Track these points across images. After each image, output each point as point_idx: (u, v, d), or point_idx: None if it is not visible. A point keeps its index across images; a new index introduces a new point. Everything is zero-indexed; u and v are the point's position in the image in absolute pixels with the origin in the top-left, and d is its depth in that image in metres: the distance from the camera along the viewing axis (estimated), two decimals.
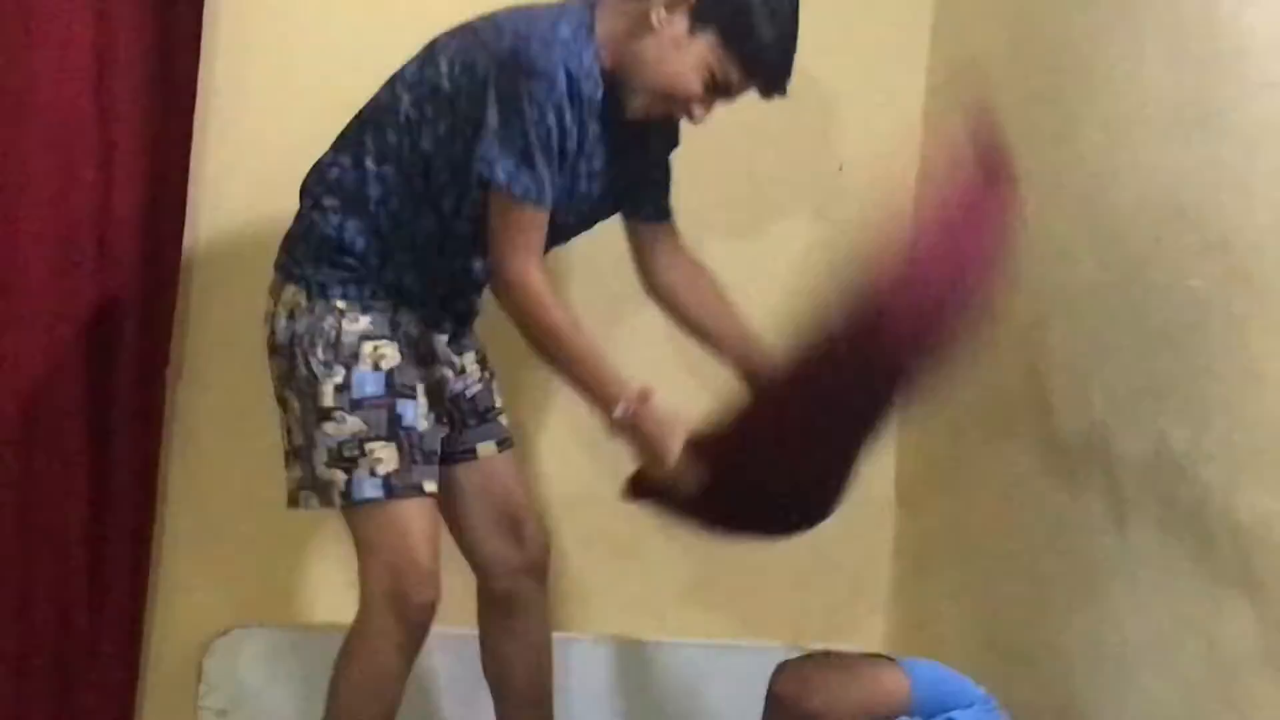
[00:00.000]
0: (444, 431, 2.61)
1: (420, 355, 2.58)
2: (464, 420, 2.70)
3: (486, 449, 2.72)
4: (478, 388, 2.71)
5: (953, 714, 2.47)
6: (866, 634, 3.25)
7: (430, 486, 2.51)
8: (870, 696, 2.46)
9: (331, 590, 2.76)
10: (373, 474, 2.47)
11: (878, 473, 3.18)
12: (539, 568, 2.76)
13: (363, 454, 2.47)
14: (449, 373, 2.64)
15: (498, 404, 2.75)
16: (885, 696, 2.46)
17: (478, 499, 2.72)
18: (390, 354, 2.52)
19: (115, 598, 2.89)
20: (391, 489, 2.48)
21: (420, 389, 2.55)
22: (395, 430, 2.49)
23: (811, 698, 2.46)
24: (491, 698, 2.84)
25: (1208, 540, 2.29)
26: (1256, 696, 2.16)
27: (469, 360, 2.71)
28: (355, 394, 2.49)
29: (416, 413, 2.52)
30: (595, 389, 2.47)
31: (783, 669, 2.51)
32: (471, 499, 2.72)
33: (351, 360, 2.49)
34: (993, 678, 2.79)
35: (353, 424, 2.48)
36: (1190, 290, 2.36)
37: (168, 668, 3.02)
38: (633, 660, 3.15)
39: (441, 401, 2.61)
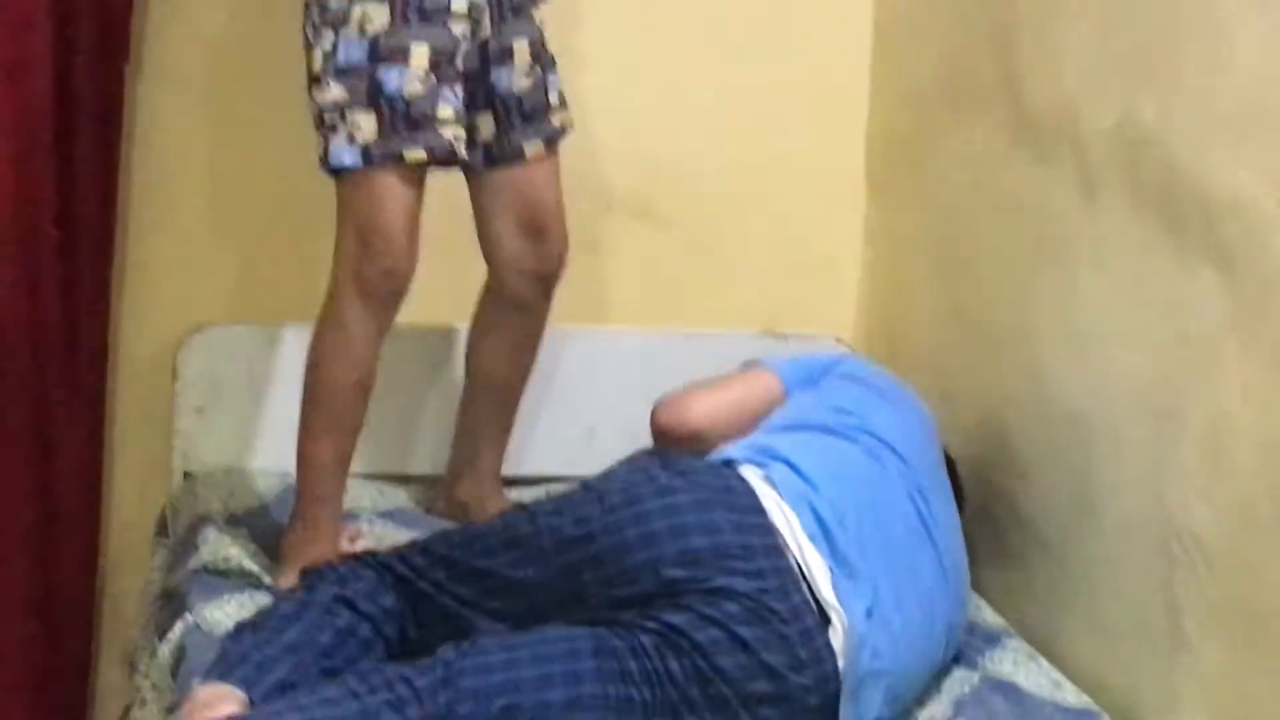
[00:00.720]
0: (459, 101, 2.48)
1: (425, 11, 2.45)
2: (509, 119, 2.63)
3: (535, 149, 2.66)
4: (526, 83, 2.62)
5: (822, 383, 2.53)
6: (838, 318, 3.28)
7: (413, 154, 2.44)
8: (745, 396, 2.54)
9: (307, 288, 2.73)
10: (351, 141, 2.42)
11: (846, 158, 3.26)
12: (552, 275, 2.76)
13: (343, 121, 2.42)
14: (466, 32, 2.49)
15: (552, 101, 2.66)
16: (761, 390, 2.54)
17: (509, 199, 2.68)
18: (377, 17, 2.42)
19: (84, 293, 2.87)
20: (369, 158, 2.43)
21: (417, 51, 2.44)
22: (376, 99, 2.42)
23: (689, 417, 2.51)
24: (464, 388, 2.87)
25: (1176, 212, 2.27)
26: (1224, 363, 2.16)
27: (520, 47, 2.60)
28: (340, 61, 2.43)
29: (404, 78, 2.42)
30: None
31: (658, 403, 2.56)
32: (503, 198, 2.69)
33: (340, 24, 2.43)
34: (962, 356, 2.86)
35: (335, 91, 2.43)
36: None
37: (141, 365, 3.03)
38: (605, 349, 3.17)
39: (454, 64, 2.48)
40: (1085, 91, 2.51)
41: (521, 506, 2.32)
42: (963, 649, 2.48)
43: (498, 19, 2.57)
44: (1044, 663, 2.47)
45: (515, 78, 2.62)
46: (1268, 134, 2.10)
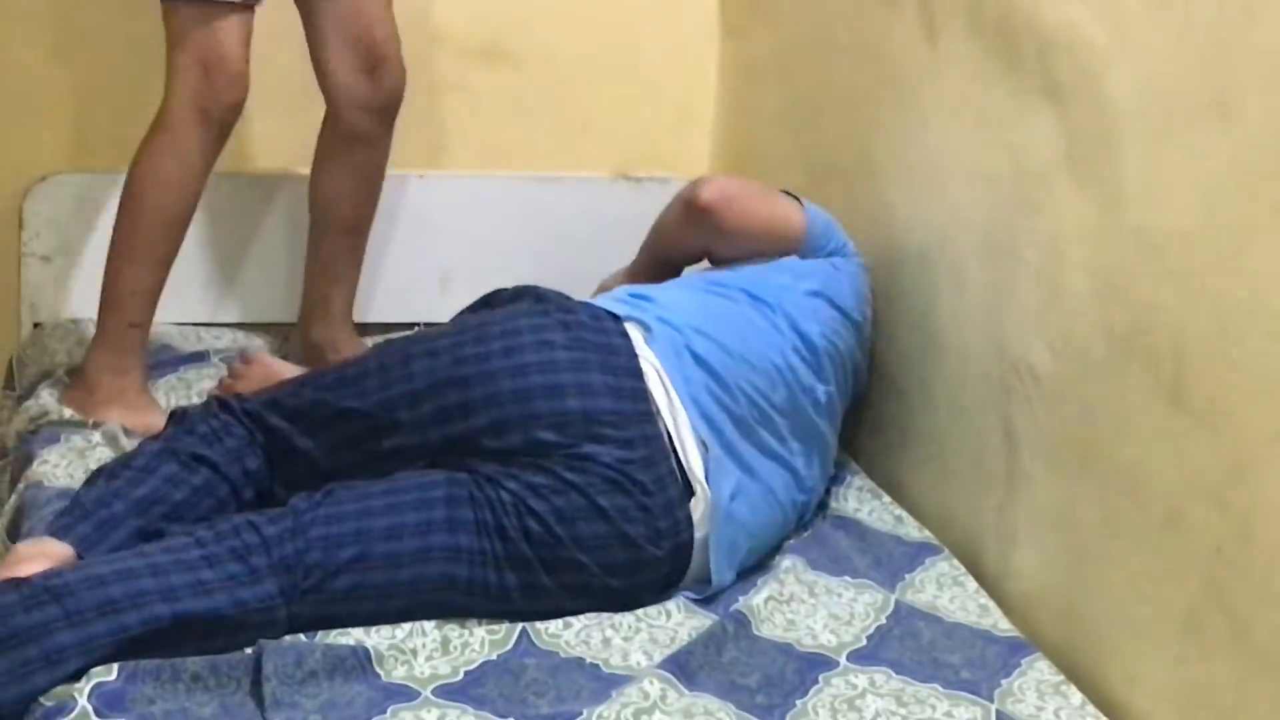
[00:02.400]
0: None
1: None
2: None
3: None
4: None
5: (834, 259, 2.54)
6: (693, 161, 3.27)
7: None
8: (773, 220, 2.54)
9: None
10: None
11: (700, 5, 3.23)
12: (390, 107, 2.74)
13: None
14: None
15: None
16: (784, 223, 2.54)
17: (339, 27, 2.65)
18: None
19: None
20: None
21: None
22: None
23: (730, 211, 2.52)
24: (310, 228, 2.84)
25: (1014, 49, 2.26)
26: (1058, 197, 2.17)
27: None
28: None
29: None
30: None
31: (704, 181, 2.56)
32: (332, 26, 2.66)
33: None
34: (811, 193, 2.81)
35: None
36: None
37: None
38: (457, 194, 3.15)
39: None
40: None
41: (391, 344, 2.26)
42: None
43: None
44: (886, 499, 2.49)
45: None
46: None
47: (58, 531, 2.03)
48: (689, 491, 2.14)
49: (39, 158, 2.97)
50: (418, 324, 2.96)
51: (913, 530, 2.40)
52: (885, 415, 2.64)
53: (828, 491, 2.49)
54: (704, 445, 2.17)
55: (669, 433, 2.15)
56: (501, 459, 2.07)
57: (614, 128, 3.22)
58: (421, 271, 3.10)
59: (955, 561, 2.30)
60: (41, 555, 1.98)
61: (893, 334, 2.62)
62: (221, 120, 2.47)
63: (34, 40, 2.94)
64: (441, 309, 2.90)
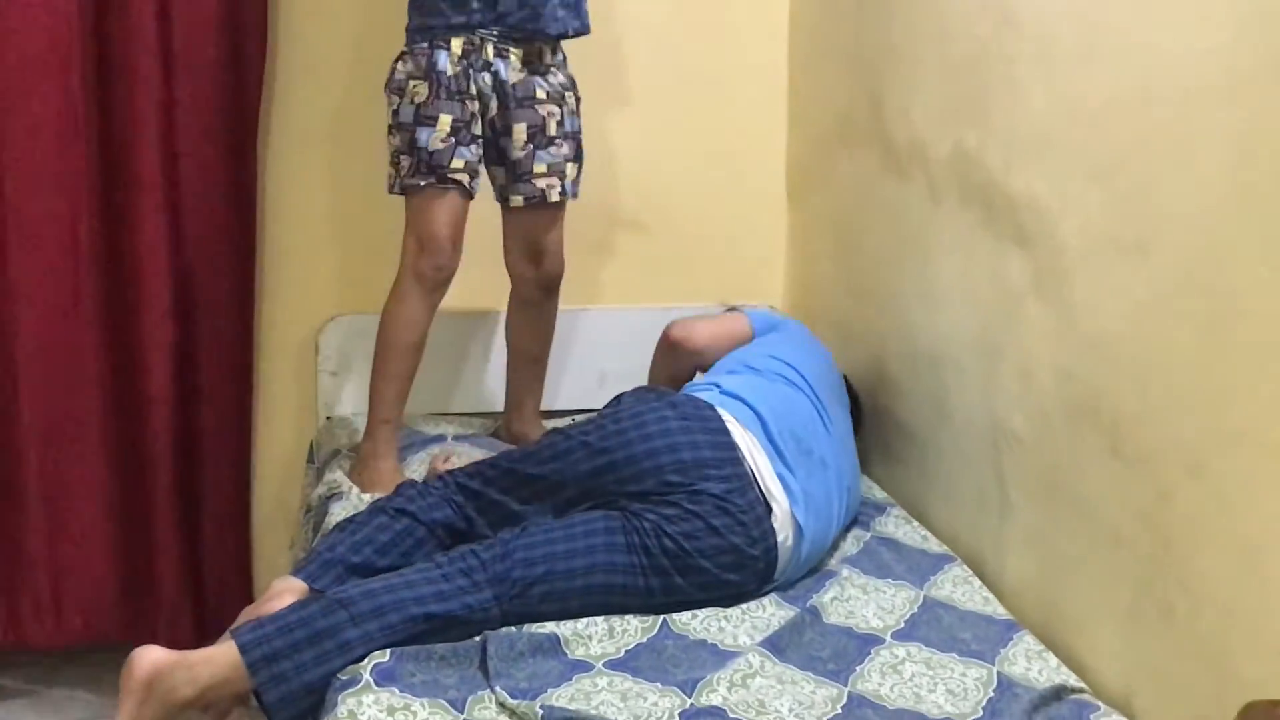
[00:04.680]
0: (473, 155, 2.49)
1: (451, 93, 2.45)
2: (509, 174, 2.61)
3: (516, 201, 2.64)
4: (521, 154, 2.59)
5: (778, 332, 2.56)
6: (770, 291, 3.24)
7: (424, 181, 2.45)
8: (729, 331, 2.58)
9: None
10: (398, 175, 2.48)
11: (773, 179, 3.19)
12: (550, 285, 2.75)
13: (398, 162, 2.47)
14: (474, 112, 2.49)
15: (536, 169, 2.61)
16: (738, 329, 2.58)
17: (514, 231, 2.66)
18: (421, 91, 2.45)
19: (234, 289, 2.86)
20: (405, 188, 2.48)
21: (444, 120, 2.45)
22: (414, 148, 2.46)
23: (694, 336, 2.57)
24: (508, 355, 2.86)
25: (992, 210, 2.26)
26: (1028, 312, 2.16)
27: (518, 128, 2.54)
28: (400, 119, 2.47)
29: (432, 136, 2.45)
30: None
31: (672, 324, 2.60)
32: (511, 229, 2.68)
33: (399, 94, 2.47)
34: (854, 311, 2.83)
35: (394, 140, 2.48)
36: (976, 37, 2.30)
37: (292, 345, 3.02)
38: (610, 321, 3.12)
39: (470, 129, 2.48)
40: (929, 129, 2.49)
41: (559, 431, 2.29)
42: (860, 516, 2.47)
43: (502, 106, 2.56)
44: (916, 524, 2.46)
45: (513, 149, 2.60)
46: (1053, 153, 2.09)
47: (297, 571, 2.06)
48: (769, 509, 2.13)
49: (328, 303, 3.02)
50: (585, 409, 2.94)
51: (934, 546, 2.37)
52: (912, 466, 2.61)
53: (874, 519, 2.46)
54: (778, 477, 2.17)
55: (752, 470, 2.14)
56: (640, 498, 2.07)
57: (715, 271, 3.18)
58: (587, 373, 3.06)
59: (965, 567, 2.28)
60: (288, 590, 2.00)
61: (914, 407, 2.59)
62: (434, 282, 2.48)
63: (320, 220, 2.98)
64: (600, 398, 2.87)
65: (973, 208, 2.34)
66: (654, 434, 2.12)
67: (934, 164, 2.48)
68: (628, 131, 3.06)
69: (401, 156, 2.47)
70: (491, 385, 3.05)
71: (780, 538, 2.13)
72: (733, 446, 2.14)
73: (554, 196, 2.62)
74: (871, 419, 2.73)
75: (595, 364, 3.07)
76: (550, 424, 2.85)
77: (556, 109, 2.58)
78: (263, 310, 2.96)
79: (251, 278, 2.90)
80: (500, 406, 2.96)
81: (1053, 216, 2.08)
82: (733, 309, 2.69)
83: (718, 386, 2.30)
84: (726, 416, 2.20)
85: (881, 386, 2.73)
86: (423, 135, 2.45)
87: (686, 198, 3.16)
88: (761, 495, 2.13)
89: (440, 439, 2.84)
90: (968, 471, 2.39)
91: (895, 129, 2.64)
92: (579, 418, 2.72)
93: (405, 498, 2.18)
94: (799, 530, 2.16)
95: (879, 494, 2.62)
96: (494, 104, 2.53)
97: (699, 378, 2.50)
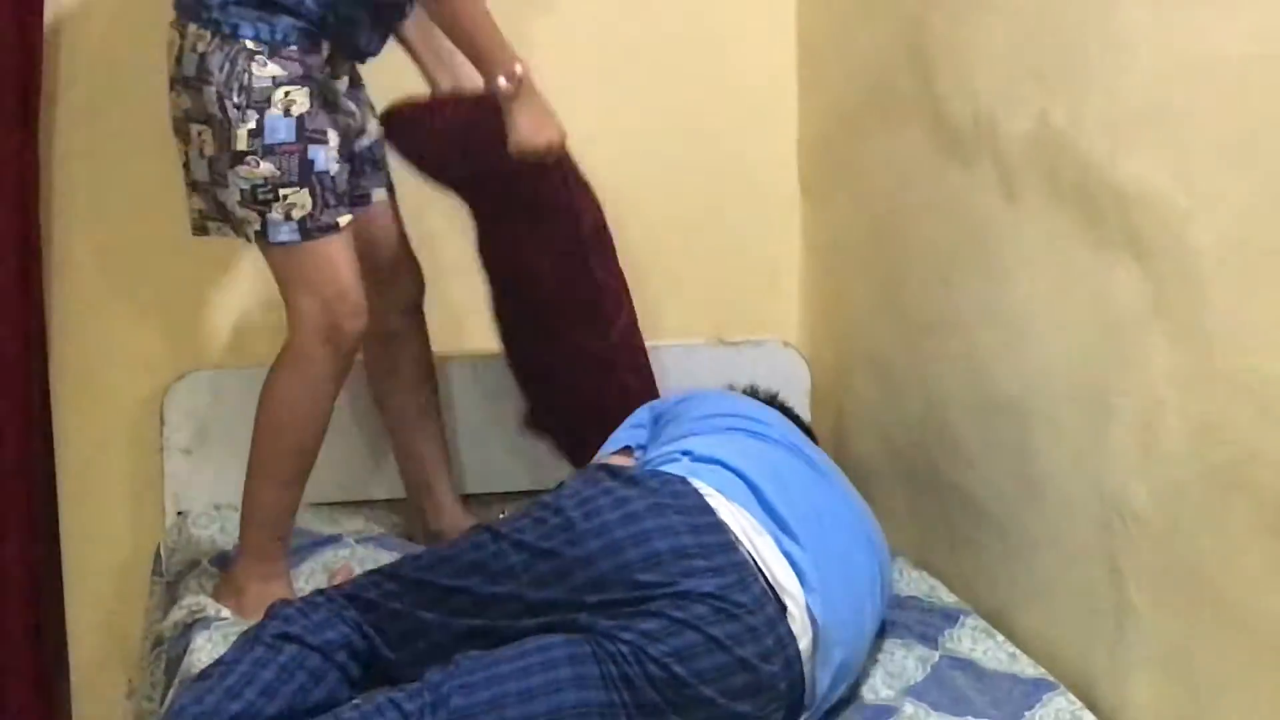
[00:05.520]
0: (346, 171, 2.55)
1: (327, 101, 2.51)
2: (361, 168, 2.65)
3: (380, 195, 2.70)
4: (371, 139, 2.67)
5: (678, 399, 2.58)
6: (782, 322, 3.27)
7: (344, 220, 2.48)
8: None
9: (266, 333, 2.71)
10: (288, 218, 2.43)
11: (781, 169, 3.24)
12: (417, 305, 2.78)
13: (276, 198, 2.43)
14: (351, 121, 2.60)
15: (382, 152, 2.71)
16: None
17: (362, 243, 2.63)
18: (301, 100, 2.43)
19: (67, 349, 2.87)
20: (307, 232, 2.45)
21: (331, 134, 2.48)
22: (308, 175, 2.43)
23: None
24: (388, 428, 2.87)
25: (1093, 208, 2.26)
26: (1148, 346, 2.16)
27: (366, 110, 2.66)
28: (268, 140, 2.42)
29: (328, 156, 2.46)
30: (497, 51, 2.51)
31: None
32: (357, 243, 2.63)
33: (264, 106, 2.41)
34: (901, 352, 2.84)
35: (265, 168, 2.42)
36: None
37: (129, 414, 3.01)
38: None
39: (349, 145, 2.57)
40: (999, 99, 2.50)
41: (484, 527, 2.27)
42: (923, 628, 2.48)
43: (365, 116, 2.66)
44: (1000, 638, 2.46)
45: (367, 128, 2.67)
46: (1173, 130, 2.09)
47: None
48: (782, 607, 2.14)
49: (175, 355, 3.02)
50: (534, 491, 2.85)
51: (1027, 667, 2.37)
52: (992, 558, 2.61)
53: (943, 632, 2.48)
54: (787, 558, 2.18)
55: (751, 554, 2.15)
56: (608, 612, 2.07)
57: (707, 294, 3.21)
58: (524, 444, 3.05)
59: (1071, 697, 2.27)
60: None
61: (990, 477, 2.59)
62: (348, 349, 2.49)
63: (166, 248, 2.97)
64: (556, 475, 2.87)
65: (1064, 205, 2.34)
66: (613, 523, 2.13)
67: (1008, 146, 2.49)
68: (579, 108, 3.01)
69: (282, 191, 2.43)
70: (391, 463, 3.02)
71: (802, 645, 2.14)
72: (721, 527, 2.16)
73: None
74: (932, 496, 2.73)
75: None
76: (486, 515, 2.83)
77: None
78: (69, 368, 2.95)
79: (38, 316, 2.88)
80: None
81: (1179, 216, 2.09)
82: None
83: (687, 454, 2.31)
84: (706, 489, 2.22)
85: (941, 448, 2.73)
86: (319, 156, 2.45)
87: (661, 195, 3.19)
88: (769, 587, 2.14)
89: (336, 541, 2.83)
90: (1070, 565, 2.39)
91: (951, 99, 2.65)
92: (508, 508, 2.72)
93: (282, 619, 2.20)
94: (822, 630, 2.17)
95: (946, 597, 2.63)
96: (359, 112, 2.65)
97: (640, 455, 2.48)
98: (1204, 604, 2.09)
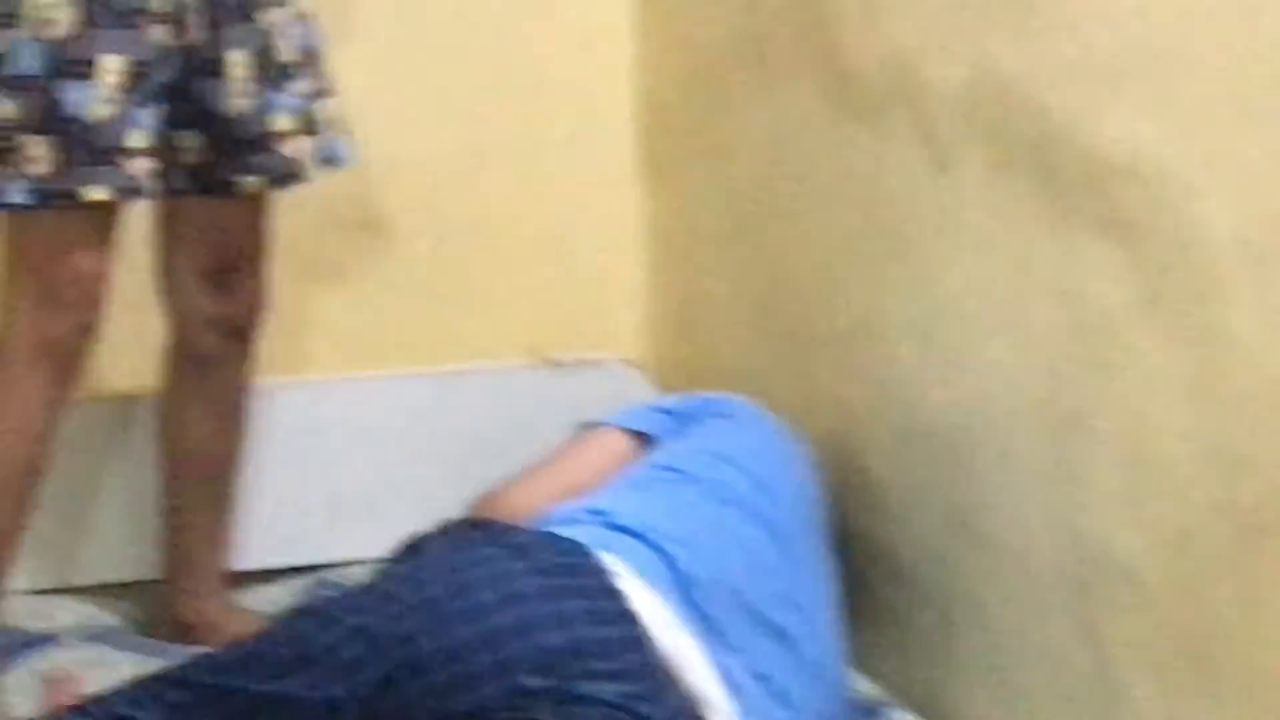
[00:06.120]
0: (156, 123, 2.45)
1: (121, 15, 2.38)
2: (223, 145, 2.55)
3: (251, 184, 2.59)
4: (244, 103, 2.54)
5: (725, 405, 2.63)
6: (619, 337, 3.29)
7: (95, 194, 2.38)
8: (578, 474, 2.58)
9: None
10: (22, 174, 2.36)
11: (611, 145, 3.25)
12: (244, 328, 2.72)
13: (12, 148, 2.36)
14: (163, 39, 2.45)
15: (275, 124, 2.56)
16: (598, 459, 2.60)
17: (187, 238, 2.65)
18: (60, 18, 2.34)
19: None
20: (43, 195, 2.37)
21: (109, 65, 2.36)
22: (53, 120, 2.35)
23: (511, 511, 2.52)
24: (163, 474, 2.81)
25: (1056, 180, 2.24)
26: (1138, 351, 2.13)
27: (233, 59, 2.51)
28: (10, 69, 2.35)
29: (89, 97, 2.35)
30: None
31: (471, 506, 2.60)
32: (182, 235, 2.67)
33: (11, 22, 2.34)
34: (785, 365, 2.87)
35: (4, 108, 2.36)
36: None
37: None
38: (343, 402, 3.12)
39: (153, 76, 2.43)
40: (922, 43, 2.49)
41: (304, 609, 2.25)
42: None
43: (210, 22, 2.49)
44: None
45: (230, 90, 2.53)
46: (1165, 78, 2.06)
47: None
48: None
49: None
50: (306, 566, 2.95)
51: None
52: (923, 632, 2.59)
53: None
54: (712, 663, 2.19)
55: (666, 656, 2.15)
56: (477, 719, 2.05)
57: (526, 304, 3.22)
58: (305, 502, 3.04)
59: None
60: None
61: (919, 530, 2.58)
62: (70, 353, 2.46)
63: None
64: (336, 546, 2.93)
65: (1016, 177, 2.32)
66: (490, 604, 2.10)
67: (934, 102, 2.46)
68: (358, 71, 3.00)
69: (22, 140, 2.37)
70: (139, 531, 2.96)
71: None
72: (629, 618, 2.15)
73: (310, 169, 2.64)
74: (836, 555, 2.68)
75: (317, 487, 3.07)
76: (252, 600, 2.87)
77: (280, 13, 2.58)
78: None
79: None
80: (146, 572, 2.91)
81: (1179, 189, 2.06)
82: (586, 426, 2.66)
83: (602, 515, 2.31)
84: (616, 566, 2.20)
85: (848, 495, 2.71)
86: (70, 96, 2.36)
87: (463, 177, 3.18)
88: (687, 701, 2.14)
89: (46, 641, 2.75)
90: (1033, 638, 2.36)
91: (852, 44, 2.63)
92: (301, 584, 2.77)
93: None
94: None
95: (864, 686, 2.61)
96: (195, 20, 2.48)
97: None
98: (1221, 683, 2.07)
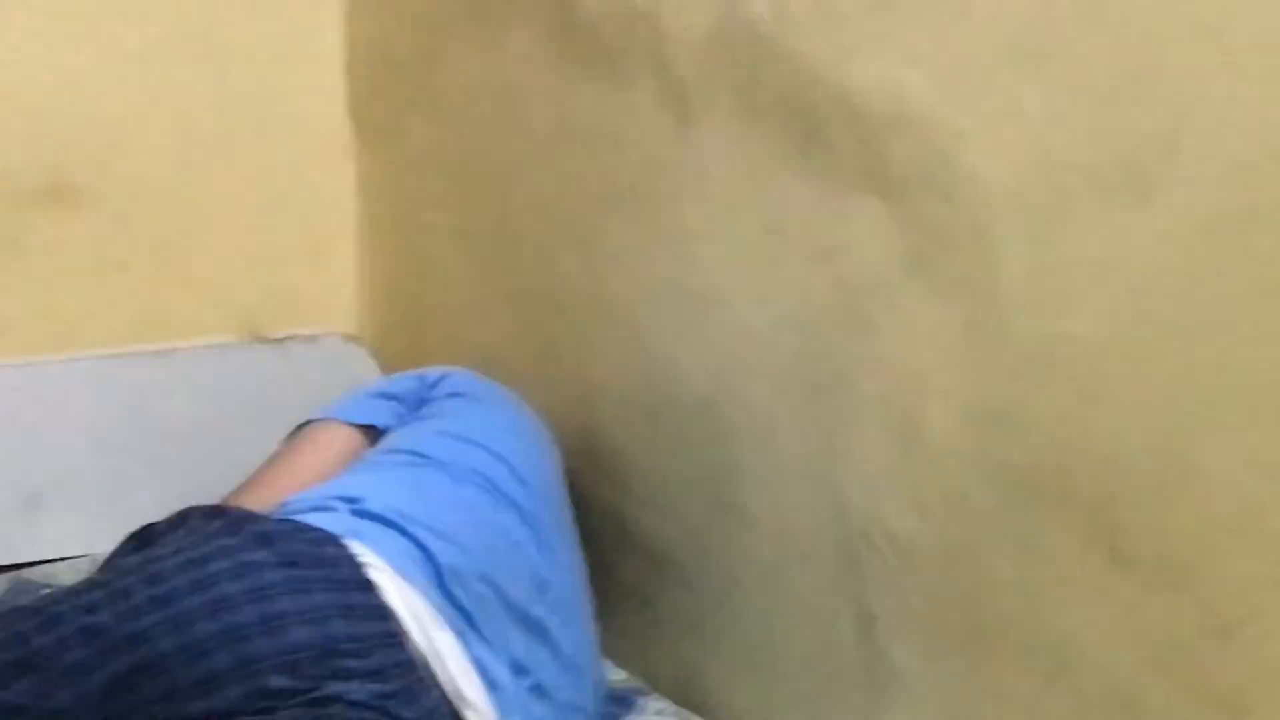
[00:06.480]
0: None
1: None
2: None
3: None
4: None
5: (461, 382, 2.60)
6: (339, 307, 3.26)
7: None
8: (296, 475, 2.52)
9: None
10: None
11: (322, 103, 3.22)
12: None
13: None
14: None
15: None
16: (319, 459, 2.53)
17: None
18: None
19: None
20: None
21: None
22: None
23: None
24: None
25: (812, 130, 2.22)
26: (902, 310, 2.13)
27: None
28: None
29: None
30: None
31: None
32: None
33: None
34: (519, 336, 2.89)
35: None
36: None
37: None
38: (37, 386, 3.02)
39: None
40: None
41: (21, 609, 2.14)
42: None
43: None
44: None
45: None
46: (933, 19, 2.04)
47: None
48: None
49: None
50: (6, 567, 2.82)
51: None
52: (674, 615, 2.59)
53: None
54: (472, 661, 2.16)
55: (423, 652, 2.13)
56: None
57: (230, 274, 3.17)
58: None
59: None
60: None
61: (672, 510, 2.57)
62: None
63: None
64: (34, 543, 2.86)
65: (768, 128, 2.30)
66: (234, 598, 2.05)
67: (674, 50, 2.44)
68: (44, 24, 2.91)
69: None
70: None
71: None
72: (384, 612, 2.11)
73: None
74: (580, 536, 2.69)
75: (10, 477, 2.96)
76: None
77: None
78: None
79: None
80: None
81: (948, 136, 2.04)
82: (303, 426, 2.58)
83: (350, 503, 2.26)
84: (369, 557, 2.16)
85: (594, 470, 2.70)
86: None
87: (155, 136, 3.10)
88: (444, 699, 2.11)
89: None
90: (793, 620, 2.37)
91: None
92: (30, 580, 2.70)
93: None
94: None
95: (613, 674, 2.60)
96: None
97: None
98: (995, 650, 2.08)
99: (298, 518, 2.22)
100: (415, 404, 2.58)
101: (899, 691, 2.21)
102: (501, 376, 2.82)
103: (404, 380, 2.65)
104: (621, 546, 2.66)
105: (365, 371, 3.20)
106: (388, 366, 3.21)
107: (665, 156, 2.48)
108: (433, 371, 2.67)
